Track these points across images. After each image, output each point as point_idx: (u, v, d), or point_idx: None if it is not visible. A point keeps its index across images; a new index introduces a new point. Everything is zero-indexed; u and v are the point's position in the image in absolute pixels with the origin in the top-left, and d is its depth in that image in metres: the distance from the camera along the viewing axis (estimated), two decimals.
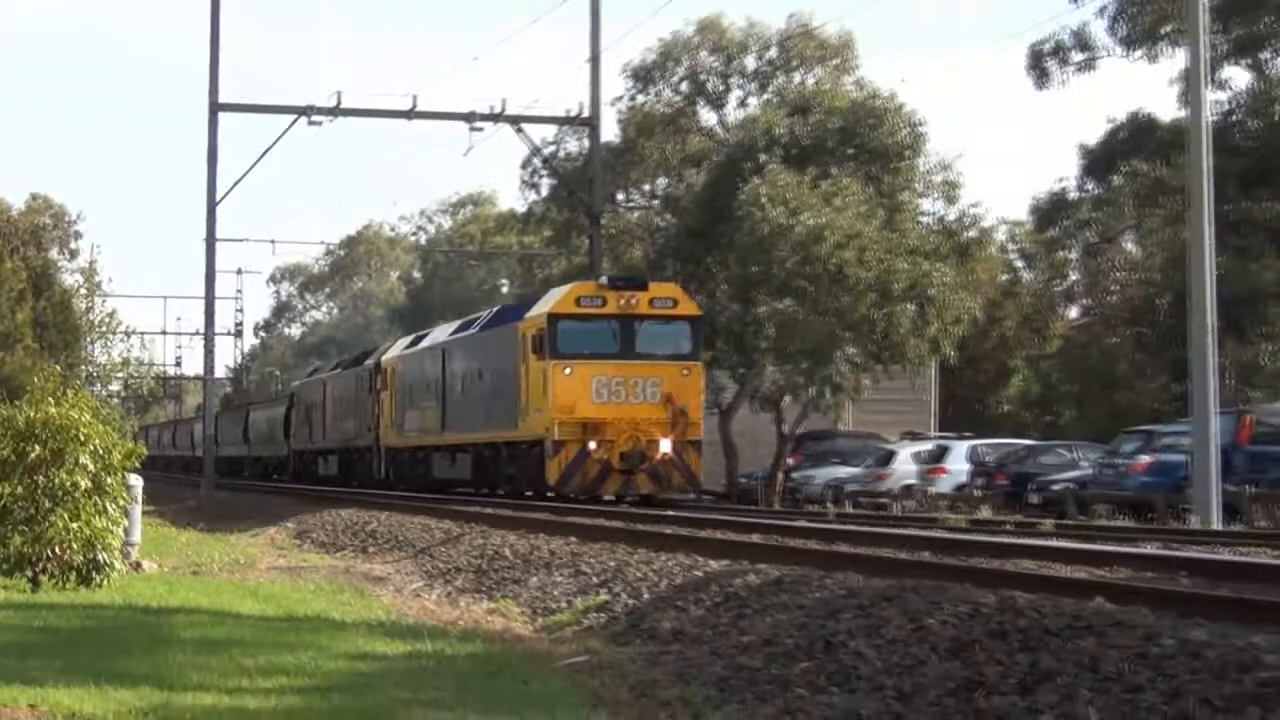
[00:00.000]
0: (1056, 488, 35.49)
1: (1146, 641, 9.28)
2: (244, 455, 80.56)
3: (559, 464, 33.48)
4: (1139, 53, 50.99)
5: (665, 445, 33.27)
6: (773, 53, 73.02)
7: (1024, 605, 10.73)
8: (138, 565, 21.35)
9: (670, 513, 29.63)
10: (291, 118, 49.67)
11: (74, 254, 67.69)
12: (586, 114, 51.66)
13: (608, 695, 10.91)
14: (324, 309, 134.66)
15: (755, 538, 19.93)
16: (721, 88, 73.88)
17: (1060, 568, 14.43)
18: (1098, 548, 15.75)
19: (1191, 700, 8.19)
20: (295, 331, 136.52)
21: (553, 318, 34.55)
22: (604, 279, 37.71)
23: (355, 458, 54.40)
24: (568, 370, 33.73)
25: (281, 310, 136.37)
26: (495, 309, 45.04)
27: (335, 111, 49.57)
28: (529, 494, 36.22)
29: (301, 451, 63.78)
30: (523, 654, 13.17)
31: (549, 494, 34.43)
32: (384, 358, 51.26)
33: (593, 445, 33.17)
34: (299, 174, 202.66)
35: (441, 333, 48.00)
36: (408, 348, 49.76)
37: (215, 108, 49.50)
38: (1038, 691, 9.06)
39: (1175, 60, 48.05)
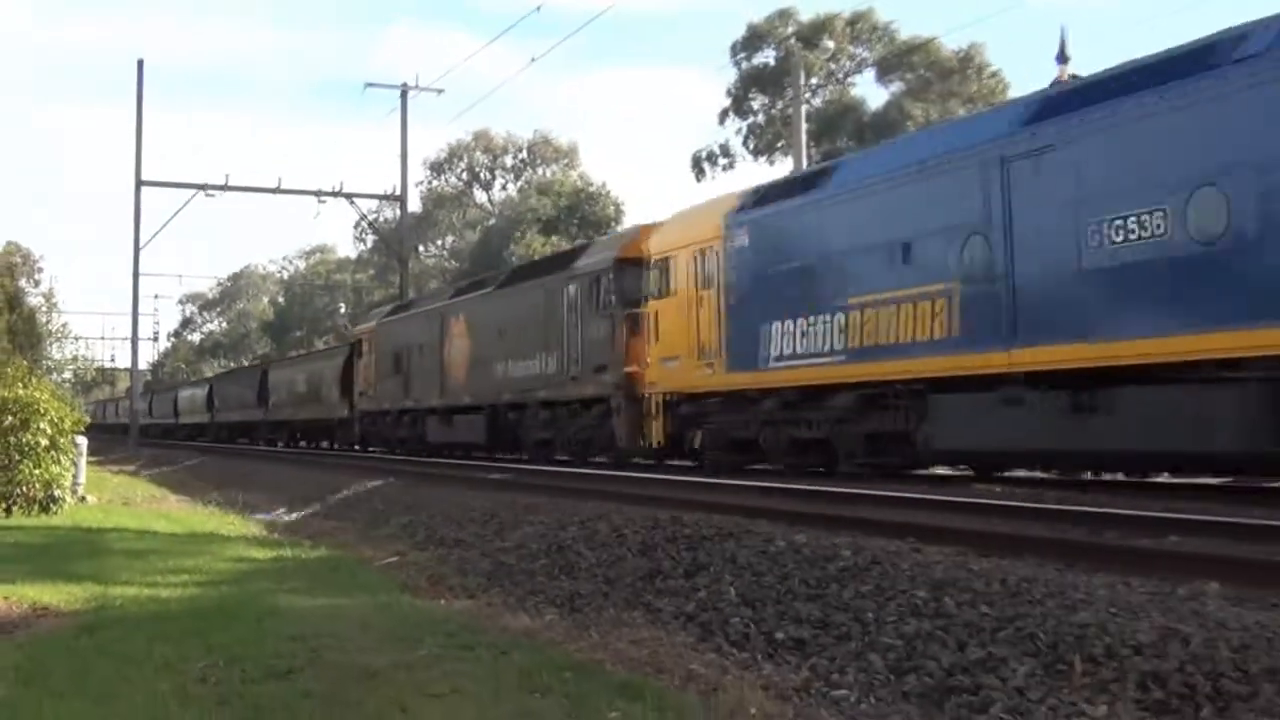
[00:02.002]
0: None
1: (766, 543, 9.43)
2: (258, 420, 51.60)
3: None
4: (763, 159, 52.45)
5: None
6: (524, 154, 73.64)
7: (688, 520, 10.86)
8: (83, 499, 20.71)
9: None
10: (193, 191, 48.32)
11: (38, 283, 65.03)
12: (398, 192, 51.09)
13: (411, 583, 10.83)
14: (215, 323, 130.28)
15: (508, 477, 19.83)
16: (489, 176, 74.44)
17: (712, 495, 14.63)
18: (737, 483, 15.95)
19: (795, 580, 8.36)
20: (196, 338, 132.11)
21: None
22: None
23: (545, 417, 24.30)
24: None
25: (186, 323, 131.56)
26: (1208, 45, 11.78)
27: (224, 187, 48.25)
28: None
29: (385, 413, 33.72)
30: (353, 558, 12.98)
31: None
32: (654, 242, 20.59)
33: None
34: (199, 227, 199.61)
35: (926, 143, 16.16)
36: (761, 204, 18.19)
37: (139, 183, 47.84)
38: (697, 577, 9.18)
39: (785, 164, 49.34)
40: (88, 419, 20.04)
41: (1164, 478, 14.10)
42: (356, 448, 37.65)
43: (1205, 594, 6.77)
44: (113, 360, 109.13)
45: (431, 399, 30.09)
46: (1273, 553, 7.92)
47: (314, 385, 42.31)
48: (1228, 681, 5.30)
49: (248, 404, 52.49)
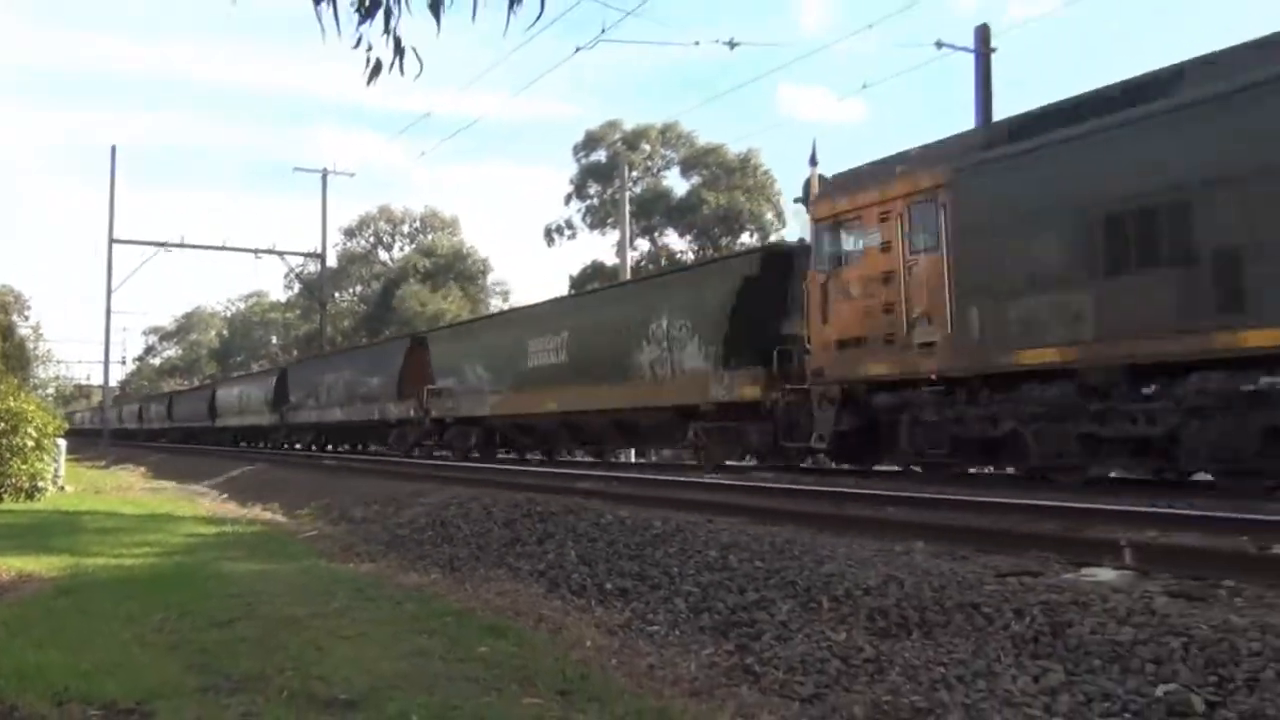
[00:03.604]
0: None
1: (599, 517, 9.43)
2: (399, 419, 24.74)
3: None
4: (597, 231, 52.70)
5: None
6: (417, 224, 72.68)
7: (540, 500, 10.81)
8: (62, 488, 19.61)
9: None
10: (155, 249, 46.26)
11: (27, 318, 61.84)
12: (319, 251, 49.80)
13: (327, 551, 10.53)
14: (173, 350, 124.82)
15: (398, 468, 19.43)
16: (390, 240, 73.07)
17: (557, 481, 14.58)
18: (576, 472, 15.93)
19: (620, 545, 8.38)
20: (156, 361, 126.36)
21: None
22: None
23: None
24: None
25: (149, 350, 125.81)
26: None
27: (180, 245, 46.15)
28: None
29: (1051, 376, 8.95)
30: (282, 532, 12.57)
31: None
32: None
33: None
34: (160, 275, 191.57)
35: None
36: None
37: (111, 241, 45.57)
38: (547, 543, 9.12)
39: (613, 235, 49.62)
40: (66, 425, 19.10)
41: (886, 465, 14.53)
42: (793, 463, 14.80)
43: (915, 550, 7.00)
44: (88, 379, 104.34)
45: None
46: (959, 520, 8.25)
47: (605, 351, 17.98)
48: (931, 613, 5.48)
49: (366, 395, 26.97)
